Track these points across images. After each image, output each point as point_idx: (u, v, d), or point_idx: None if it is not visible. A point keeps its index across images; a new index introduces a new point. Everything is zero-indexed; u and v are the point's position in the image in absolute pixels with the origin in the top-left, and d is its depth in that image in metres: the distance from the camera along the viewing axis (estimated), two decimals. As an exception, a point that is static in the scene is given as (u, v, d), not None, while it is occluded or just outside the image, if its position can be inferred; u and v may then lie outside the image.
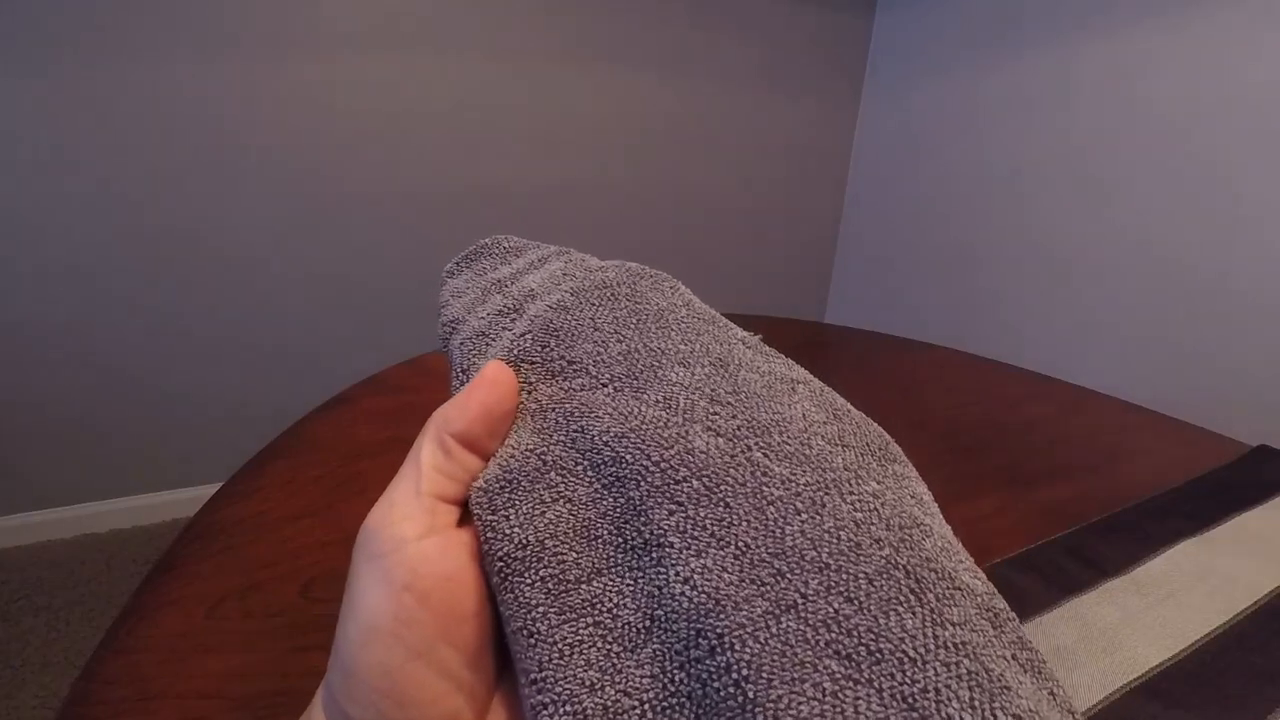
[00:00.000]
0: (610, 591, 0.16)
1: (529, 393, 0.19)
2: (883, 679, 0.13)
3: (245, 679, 0.28)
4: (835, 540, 0.15)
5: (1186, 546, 0.40)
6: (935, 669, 0.13)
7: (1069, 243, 1.38)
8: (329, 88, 1.25)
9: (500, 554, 0.16)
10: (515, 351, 0.20)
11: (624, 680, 0.14)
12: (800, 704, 0.13)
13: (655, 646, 0.15)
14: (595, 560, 0.16)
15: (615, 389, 0.18)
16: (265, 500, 0.41)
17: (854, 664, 0.13)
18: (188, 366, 1.31)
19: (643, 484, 0.16)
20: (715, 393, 0.18)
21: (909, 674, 0.13)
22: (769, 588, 0.14)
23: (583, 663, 0.15)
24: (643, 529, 0.16)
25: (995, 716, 0.13)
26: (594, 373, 0.19)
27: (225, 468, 0.49)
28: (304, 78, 1.23)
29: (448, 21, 1.31)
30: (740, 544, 0.15)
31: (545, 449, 0.18)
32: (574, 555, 0.16)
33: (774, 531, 0.15)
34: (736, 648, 0.14)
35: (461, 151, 1.41)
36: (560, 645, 0.15)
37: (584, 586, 0.16)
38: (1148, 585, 0.36)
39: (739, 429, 0.17)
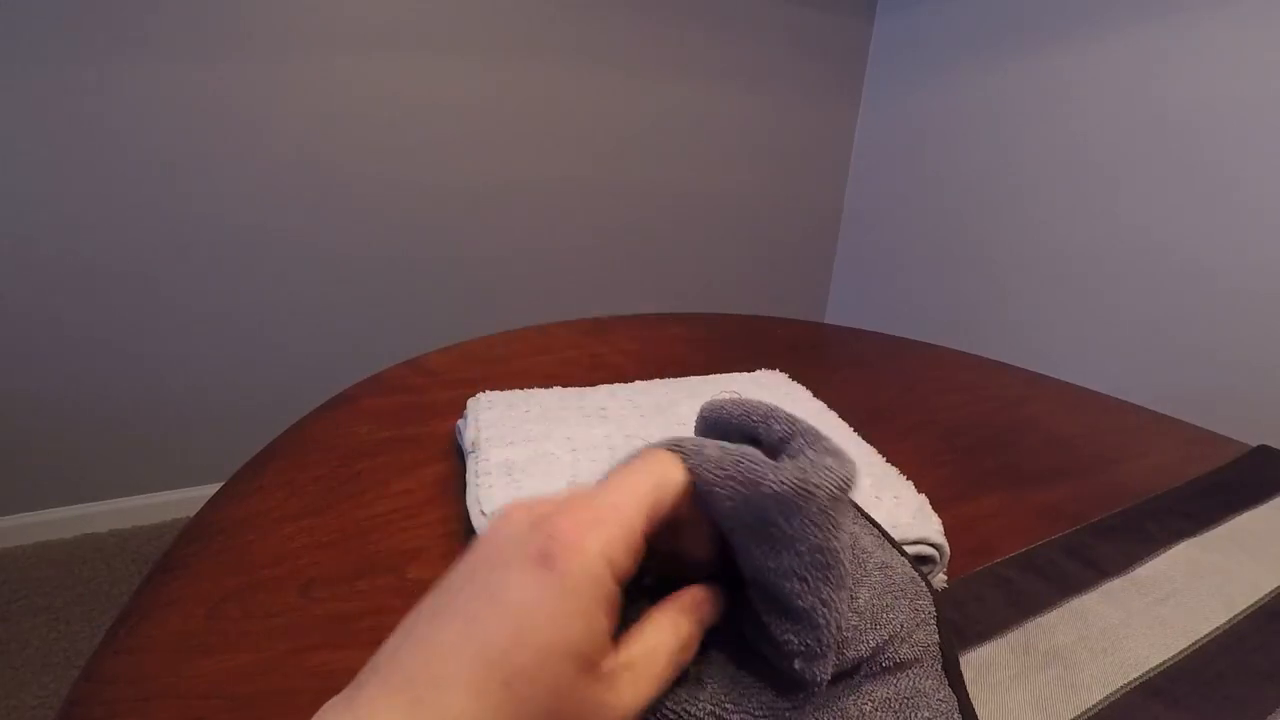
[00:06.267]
0: None
1: None
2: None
3: (245, 679, 0.28)
4: None
5: (1186, 546, 0.40)
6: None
7: (1069, 242, 1.38)
8: (331, 88, 1.25)
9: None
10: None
11: None
12: None
13: None
14: None
15: None
16: (265, 500, 0.41)
17: None
18: (187, 366, 1.31)
19: None
20: None
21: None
22: None
23: None
24: None
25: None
26: None
27: (225, 468, 0.49)
28: (307, 77, 1.23)
29: (452, 22, 1.31)
30: None
31: None
32: None
33: None
34: None
35: (463, 151, 1.41)
36: None
37: None
38: (1148, 585, 0.36)
39: None
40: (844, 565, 0.21)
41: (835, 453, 0.23)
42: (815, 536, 0.20)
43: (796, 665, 0.21)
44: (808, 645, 0.21)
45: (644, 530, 0.19)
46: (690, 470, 0.21)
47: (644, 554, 0.20)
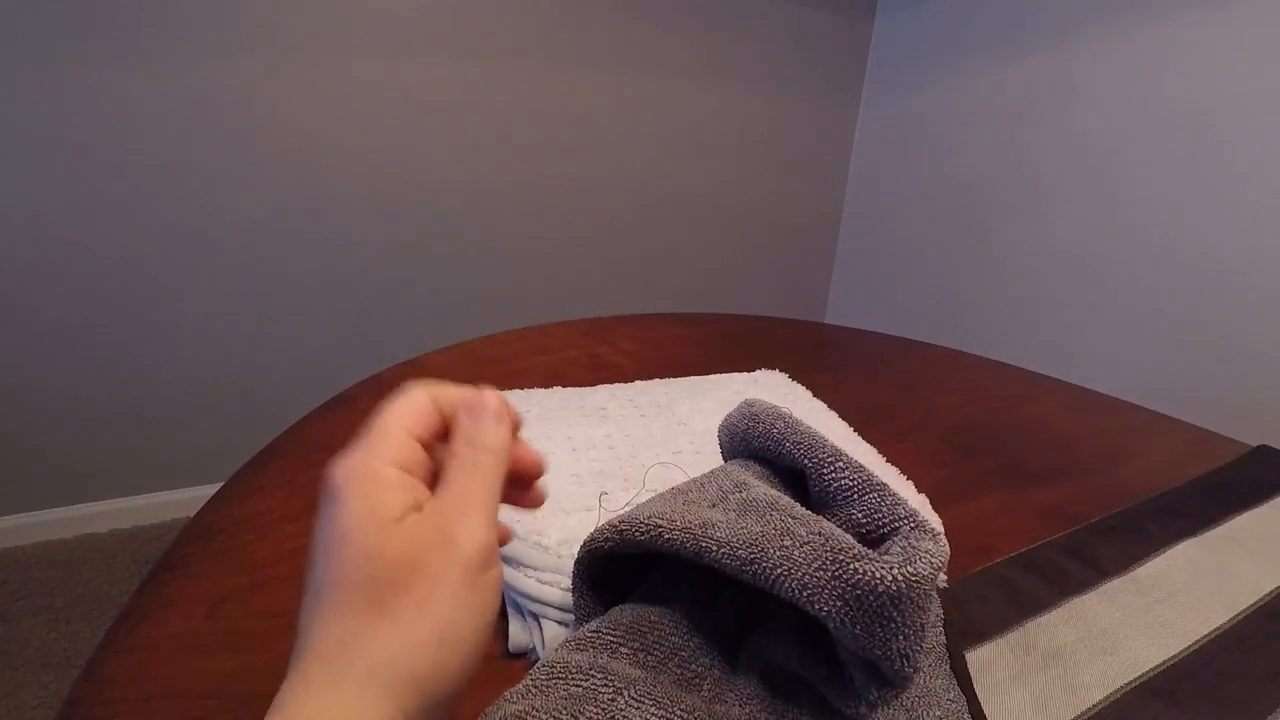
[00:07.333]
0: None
1: None
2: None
3: (245, 679, 0.28)
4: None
5: (1186, 546, 0.40)
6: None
7: (1069, 243, 1.38)
8: (331, 88, 1.25)
9: None
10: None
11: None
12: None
13: None
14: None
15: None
16: (265, 500, 0.41)
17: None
18: (187, 366, 1.31)
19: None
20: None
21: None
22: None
23: None
24: None
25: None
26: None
27: (225, 468, 0.49)
28: (307, 77, 1.23)
29: (452, 22, 1.31)
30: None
31: None
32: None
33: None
34: None
35: (465, 152, 1.41)
36: None
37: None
38: (1148, 585, 0.36)
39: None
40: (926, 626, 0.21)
41: (923, 526, 0.22)
42: (919, 617, 0.20)
43: (861, 710, 0.22)
44: (885, 696, 0.22)
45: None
46: (778, 578, 0.21)
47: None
